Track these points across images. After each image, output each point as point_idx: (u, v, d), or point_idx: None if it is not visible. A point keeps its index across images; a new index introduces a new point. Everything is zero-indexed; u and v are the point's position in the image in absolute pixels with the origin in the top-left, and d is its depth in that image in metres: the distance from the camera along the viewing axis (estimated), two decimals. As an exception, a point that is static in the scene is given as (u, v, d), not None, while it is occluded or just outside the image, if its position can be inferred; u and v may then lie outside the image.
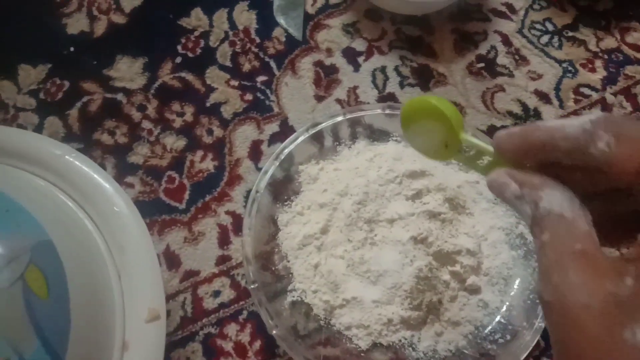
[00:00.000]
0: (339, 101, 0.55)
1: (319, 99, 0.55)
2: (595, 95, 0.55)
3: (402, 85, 0.55)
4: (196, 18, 0.59)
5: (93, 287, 0.36)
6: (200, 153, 0.52)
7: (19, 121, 0.53)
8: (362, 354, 0.42)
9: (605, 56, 0.57)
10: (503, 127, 0.53)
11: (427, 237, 0.43)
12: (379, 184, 0.46)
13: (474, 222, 0.46)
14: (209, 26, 0.58)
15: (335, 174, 0.48)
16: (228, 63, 0.56)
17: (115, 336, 0.36)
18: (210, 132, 0.53)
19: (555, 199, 0.25)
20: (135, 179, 0.51)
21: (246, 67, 0.56)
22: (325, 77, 0.56)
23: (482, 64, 0.57)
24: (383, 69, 0.56)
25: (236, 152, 0.52)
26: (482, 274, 0.44)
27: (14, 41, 0.58)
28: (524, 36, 0.58)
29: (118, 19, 0.59)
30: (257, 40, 0.58)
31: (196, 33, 0.58)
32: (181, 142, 0.52)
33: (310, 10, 0.59)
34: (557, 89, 0.55)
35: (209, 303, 0.46)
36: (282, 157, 0.48)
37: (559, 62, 0.57)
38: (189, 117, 0.54)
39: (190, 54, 0.57)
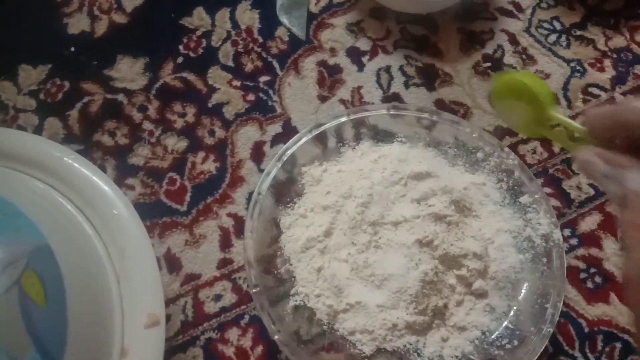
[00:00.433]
0: (342, 101, 0.54)
1: (323, 99, 0.54)
2: (604, 95, 0.54)
3: (407, 85, 0.54)
4: (198, 17, 0.58)
5: (91, 292, 0.36)
6: (201, 154, 0.51)
7: (19, 122, 0.53)
8: (366, 360, 0.41)
9: (615, 55, 0.56)
10: (510, 127, 0.52)
11: (432, 240, 0.42)
12: (383, 185, 0.45)
13: (480, 225, 0.45)
14: (211, 26, 0.58)
15: (339, 175, 0.47)
16: (230, 63, 0.56)
17: (114, 342, 0.35)
18: (212, 133, 0.52)
19: None
20: (135, 180, 0.50)
21: (249, 67, 0.55)
22: (329, 77, 0.55)
23: (488, 64, 0.56)
24: (388, 69, 0.55)
25: (238, 153, 0.51)
26: (489, 277, 0.43)
27: (14, 41, 0.57)
28: (531, 35, 0.57)
29: (119, 18, 0.58)
30: (260, 39, 0.57)
31: (198, 33, 0.57)
32: (182, 143, 0.52)
33: (314, 9, 0.59)
34: (565, 88, 0.54)
35: (210, 307, 0.45)
36: (285, 158, 0.47)
37: (567, 61, 0.56)
38: (190, 117, 0.53)
39: (192, 54, 0.56)
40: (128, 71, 0.55)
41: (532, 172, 0.47)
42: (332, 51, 0.56)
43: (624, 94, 0.54)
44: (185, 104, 0.53)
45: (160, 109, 0.53)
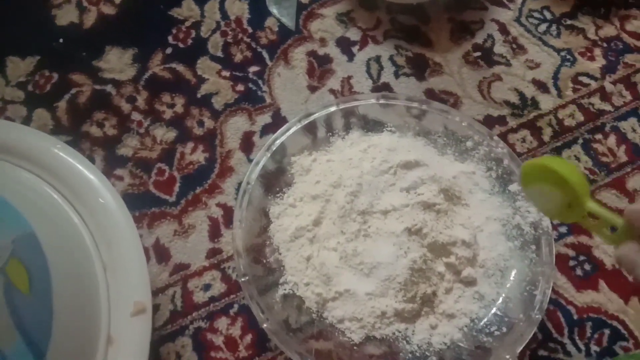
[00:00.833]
0: (332, 91, 0.54)
1: (312, 89, 0.54)
2: (594, 84, 0.54)
3: (397, 75, 0.54)
4: (187, 8, 0.58)
5: (77, 280, 0.35)
6: (190, 145, 0.51)
7: (7, 114, 0.52)
8: (355, 348, 0.41)
9: (605, 44, 0.56)
10: (500, 117, 0.52)
11: (421, 228, 0.42)
12: (373, 175, 0.45)
13: (469, 213, 0.45)
14: (200, 16, 0.57)
15: (328, 165, 0.47)
16: (219, 53, 0.55)
17: (100, 330, 0.35)
18: (201, 123, 0.52)
19: None
20: (124, 171, 0.50)
21: (238, 57, 0.55)
22: (319, 67, 0.55)
23: (478, 53, 0.56)
24: (378, 59, 0.55)
25: (227, 143, 0.51)
26: (478, 265, 0.43)
27: (2, 33, 0.57)
28: (522, 25, 0.57)
29: (108, 9, 0.58)
30: (250, 30, 0.57)
31: (187, 23, 0.57)
32: (171, 134, 0.51)
33: (304, -1, 0.58)
34: (556, 77, 0.54)
35: (199, 297, 0.45)
36: (274, 148, 0.47)
37: (557, 50, 0.56)
38: (179, 108, 0.53)
39: (181, 45, 0.56)
40: (117, 62, 0.55)
41: (522, 161, 0.47)
42: (322, 41, 0.56)
43: (614, 82, 0.54)
44: (174, 95, 0.53)
45: (149, 99, 0.53)
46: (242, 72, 0.54)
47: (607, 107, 0.53)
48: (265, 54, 0.55)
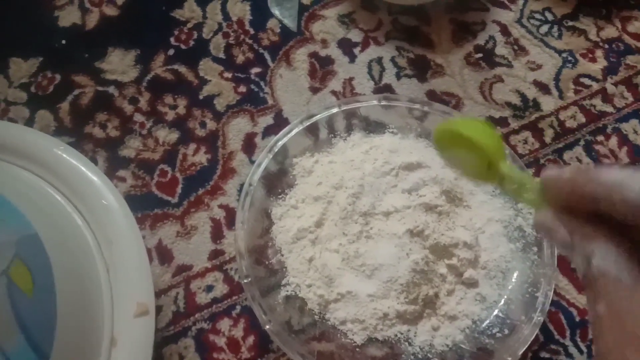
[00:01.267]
0: (334, 93, 0.54)
1: (314, 90, 0.54)
2: (595, 86, 0.54)
3: (398, 76, 0.54)
4: (189, 9, 0.58)
5: (80, 281, 0.36)
6: (193, 146, 0.51)
7: (10, 115, 0.52)
8: (357, 349, 0.41)
9: (606, 46, 0.56)
10: (502, 118, 0.52)
11: (423, 230, 0.42)
12: (374, 176, 0.45)
13: (471, 214, 0.45)
14: (202, 18, 0.58)
15: (330, 166, 0.47)
16: (222, 55, 0.55)
17: (103, 331, 0.35)
18: (203, 124, 0.52)
19: (610, 255, 0.22)
20: (127, 172, 0.50)
21: (240, 58, 0.55)
22: (321, 69, 0.55)
23: (480, 55, 0.56)
24: (379, 60, 0.55)
25: (229, 145, 0.51)
26: (480, 267, 0.43)
27: (5, 34, 0.57)
28: (523, 26, 0.57)
29: (110, 11, 0.58)
30: (251, 31, 0.57)
31: (189, 25, 0.57)
32: (174, 135, 0.52)
33: (305, 0, 0.58)
34: (557, 79, 0.54)
35: (202, 298, 0.45)
36: (276, 149, 0.47)
37: (559, 52, 0.56)
38: (181, 109, 0.53)
39: (183, 46, 0.56)
40: (119, 63, 0.55)
41: (524, 162, 0.47)
42: (324, 42, 0.56)
43: (615, 84, 0.54)
44: (176, 96, 0.53)
45: (151, 101, 0.53)
46: (244, 74, 0.54)
47: (609, 108, 0.53)
48: (267, 56, 0.55)
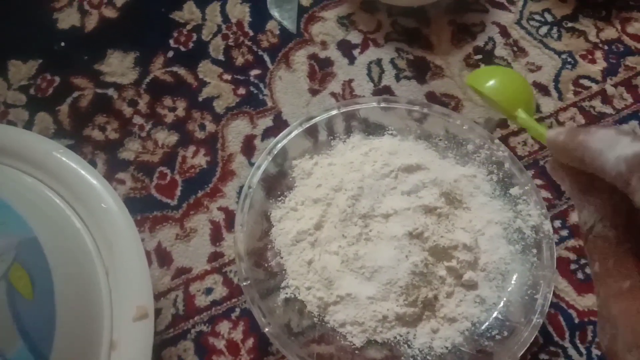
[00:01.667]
0: (333, 95, 0.54)
1: (314, 92, 0.54)
2: (595, 87, 0.54)
3: (398, 78, 0.54)
4: (189, 11, 0.58)
5: (80, 285, 0.36)
6: (192, 148, 0.51)
7: (9, 117, 0.52)
8: (357, 352, 0.41)
9: (606, 47, 0.56)
10: (501, 120, 0.52)
11: (422, 232, 0.42)
12: (374, 178, 0.45)
13: (470, 216, 0.45)
14: (201, 19, 0.57)
15: (329, 168, 0.47)
16: (221, 57, 0.55)
17: (102, 335, 0.35)
18: (202, 127, 0.52)
19: (598, 210, 0.24)
20: (126, 175, 0.50)
21: (239, 60, 0.55)
22: (320, 71, 0.55)
23: (479, 56, 0.56)
24: (379, 62, 0.55)
25: (229, 147, 0.51)
26: (479, 269, 0.43)
27: (4, 37, 0.57)
28: (523, 27, 0.57)
29: (109, 13, 0.58)
30: (251, 33, 0.57)
31: (189, 27, 0.57)
32: (173, 138, 0.52)
33: (305, 2, 0.58)
34: (556, 80, 0.54)
35: (201, 300, 0.45)
36: (275, 152, 0.47)
37: (558, 53, 0.56)
38: (180, 112, 0.53)
39: (182, 48, 0.56)
40: (118, 65, 0.55)
41: (523, 164, 0.47)
42: (323, 44, 0.56)
43: (615, 85, 0.54)
44: (175, 98, 0.53)
45: (151, 103, 0.53)
46: (243, 76, 0.54)
47: (609, 110, 0.53)
48: (266, 57, 0.55)
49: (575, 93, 0.54)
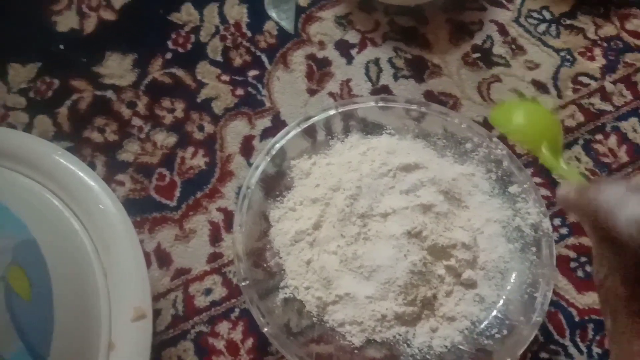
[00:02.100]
0: (331, 94, 0.54)
1: (312, 92, 0.54)
2: (594, 84, 0.54)
3: (396, 77, 0.54)
4: (187, 13, 0.58)
5: (78, 286, 0.36)
6: (191, 149, 0.51)
7: (9, 120, 0.52)
8: (356, 351, 0.41)
9: (605, 44, 0.56)
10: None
11: (421, 231, 0.42)
12: (372, 177, 0.45)
13: (469, 215, 0.45)
14: (199, 21, 0.58)
15: (327, 168, 0.47)
16: (219, 58, 0.56)
17: (100, 336, 0.35)
18: (201, 128, 0.52)
19: (611, 262, 0.24)
20: (125, 176, 0.50)
21: (237, 61, 0.55)
22: (318, 71, 0.55)
23: (477, 54, 0.55)
24: (376, 61, 0.55)
25: (227, 148, 0.51)
26: (478, 268, 0.43)
27: (3, 40, 0.57)
28: (521, 25, 0.57)
29: (108, 15, 0.58)
30: (249, 34, 0.57)
31: (187, 28, 0.57)
32: (172, 139, 0.52)
33: (302, 2, 0.58)
34: (555, 78, 0.54)
35: (201, 301, 0.45)
36: (274, 152, 0.47)
37: (557, 51, 0.56)
38: (179, 113, 0.53)
39: (180, 50, 0.56)
40: (117, 67, 0.55)
41: (522, 162, 0.47)
42: (321, 44, 0.56)
43: (614, 82, 0.54)
44: (174, 100, 0.53)
45: (149, 104, 0.53)
46: (241, 76, 0.54)
47: (608, 107, 0.53)
48: (264, 58, 0.55)
49: (574, 90, 0.54)
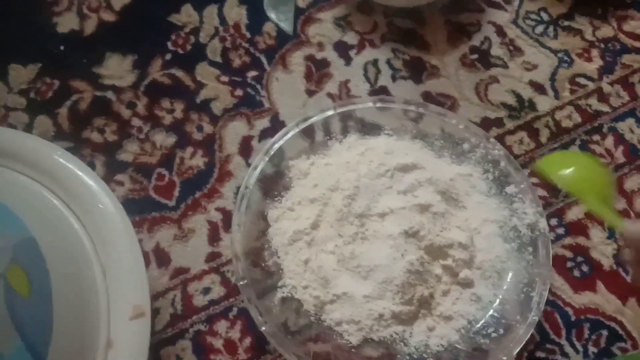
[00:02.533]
0: (330, 95, 0.54)
1: (310, 93, 0.54)
2: (591, 85, 0.54)
3: (394, 78, 0.55)
4: (186, 14, 0.58)
5: (77, 284, 0.36)
6: (190, 150, 0.51)
7: (9, 120, 0.53)
8: (353, 350, 0.41)
9: (602, 45, 0.56)
10: (497, 119, 0.52)
11: (418, 230, 0.43)
12: (370, 178, 0.45)
13: (466, 215, 0.45)
14: (199, 22, 0.58)
15: (326, 168, 0.47)
16: (218, 59, 0.56)
17: (99, 333, 0.36)
18: (200, 128, 0.52)
19: None
20: (124, 176, 0.50)
21: (236, 62, 0.56)
22: (317, 72, 0.55)
23: (475, 56, 0.56)
24: (375, 62, 0.55)
25: (226, 148, 0.51)
26: (475, 267, 0.44)
27: (4, 41, 0.58)
28: (519, 26, 0.57)
29: (108, 16, 0.59)
30: (248, 35, 0.57)
31: (186, 29, 0.58)
32: (171, 139, 0.52)
33: (301, 4, 0.59)
34: (553, 79, 0.55)
35: (199, 300, 0.45)
36: (272, 152, 0.47)
37: (555, 52, 0.56)
38: (178, 113, 0.53)
39: (180, 51, 0.56)
40: (117, 68, 0.55)
41: (519, 163, 0.47)
42: (320, 45, 0.56)
43: (611, 83, 0.54)
44: (173, 100, 0.54)
45: (149, 105, 0.54)
46: (240, 77, 0.55)
47: (605, 108, 0.53)
48: (263, 59, 0.56)
49: (572, 91, 0.54)
